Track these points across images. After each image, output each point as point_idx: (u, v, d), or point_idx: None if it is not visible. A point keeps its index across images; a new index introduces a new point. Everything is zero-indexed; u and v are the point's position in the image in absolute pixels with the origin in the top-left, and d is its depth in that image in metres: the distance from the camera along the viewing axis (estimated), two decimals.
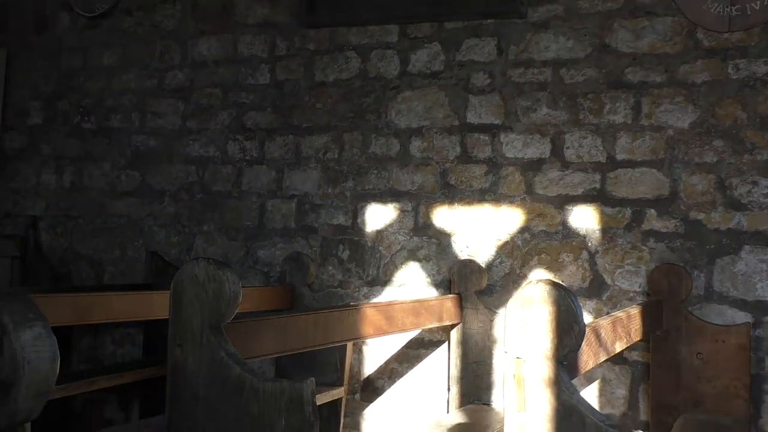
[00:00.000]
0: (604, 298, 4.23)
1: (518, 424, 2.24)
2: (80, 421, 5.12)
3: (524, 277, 4.38)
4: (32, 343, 1.43)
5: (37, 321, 1.44)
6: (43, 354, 1.44)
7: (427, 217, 4.65)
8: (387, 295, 4.68)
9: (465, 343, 4.43)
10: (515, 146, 4.49)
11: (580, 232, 4.31)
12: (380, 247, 4.74)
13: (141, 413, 5.06)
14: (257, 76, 5.19)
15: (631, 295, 4.18)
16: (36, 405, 1.45)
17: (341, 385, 4.44)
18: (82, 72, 5.77)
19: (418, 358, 4.65)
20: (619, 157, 4.27)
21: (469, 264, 4.47)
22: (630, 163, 4.25)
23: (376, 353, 4.72)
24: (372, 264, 4.75)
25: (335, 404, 4.45)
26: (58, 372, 1.48)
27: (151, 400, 4.81)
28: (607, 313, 3.99)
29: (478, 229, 4.53)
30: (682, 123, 4.17)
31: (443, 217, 4.62)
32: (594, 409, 2.21)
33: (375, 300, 4.67)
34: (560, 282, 2.54)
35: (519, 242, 4.44)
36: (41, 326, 1.44)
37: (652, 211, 4.18)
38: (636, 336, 3.49)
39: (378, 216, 4.76)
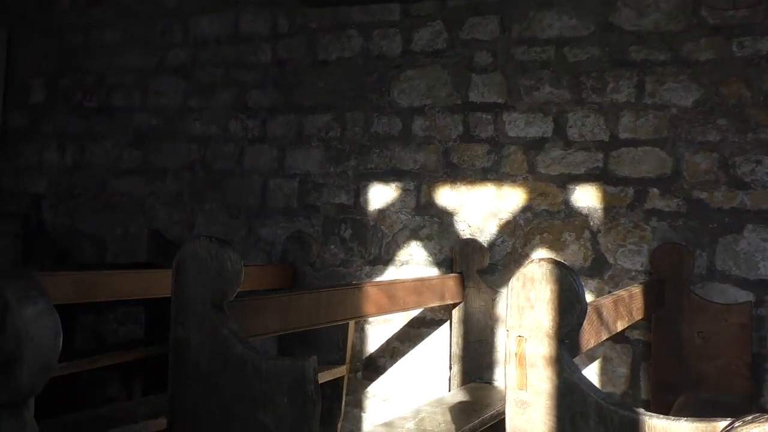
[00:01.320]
0: (605, 277, 4.23)
1: (519, 401, 2.25)
2: (83, 398, 5.15)
3: (526, 256, 4.38)
4: (35, 320, 1.43)
5: (40, 298, 1.44)
6: (45, 330, 1.44)
7: (429, 196, 4.65)
8: (389, 274, 4.69)
9: (466, 321, 4.44)
10: (518, 125, 4.48)
11: (583, 212, 4.30)
12: (382, 226, 4.74)
13: (143, 391, 5.08)
14: (259, 55, 5.17)
15: (633, 274, 4.18)
16: (39, 381, 1.46)
17: (343, 363, 4.46)
18: (84, 50, 5.75)
19: (420, 337, 4.66)
20: (622, 135, 4.26)
21: (471, 243, 4.48)
22: (633, 142, 4.24)
23: (378, 332, 4.74)
24: (374, 243, 4.76)
25: (337, 382, 4.46)
26: (60, 348, 1.48)
27: (153, 378, 4.84)
28: (609, 292, 3.99)
29: (480, 208, 4.53)
30: (685, 101, 4.15)
31: (445, 196, 4.61)
32: (595, 387, 2.21)
33: (377, 279, 4.67)
34: (562, 261, 2.54)
35: (521, 221, 4.43)
36: (44, 303, 1.44)
37: (655, 190, 4.18)
38: (638, 315, 3.49)
39: (380, 195, 4.76)
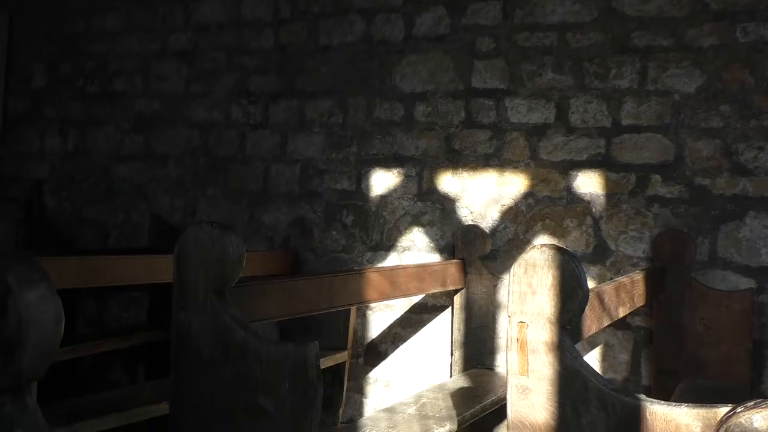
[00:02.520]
0: (607, 264, 4.23)
1: (521, 387, 2.25)
2: (86, 383, 5.17)
3: (528, 242, 4.37)
4: (37, 304, 1.43)
5: (42, 281, 1.44)
6: (47, 314, 1.44)
7: (431, 182, 4.64)
8: (391, 260, 4.69)
9: (468, 308, 4.44)
10: (520, 111, 4.47)
11: (585, 198, 4.30)
12: (384, 212, 4.74)
13: (146, 376, 5.10)
14: (261, 40, 5.16)
15: (635, 260, 4.18)
16: (41, 365, 1.46)
17: (345, 349, 4.47)
18: (86, 35, 5.74)
19: (422, 323, 4.67)
20: (625, 122, 4.24)
21: (473, 229, 4.47)
22: (635, 128, 4.22)
23: (379, 318, 4.74)
24: (376, 229, 4.75)
25: (339, 368, 4.48)
26: (62, 333, 1.48)
27: (156, 363, 4.85)
28: (611, 279, 3.99)
29: (482, 194, 4.52)
30: (688, 88, 4.14)
31: (447, 182, 4.61)
32: (597, 373, 2.22)
33: (379, 265, 4.67)
34: (564, 247, 2.53)
35: (523, 207, 4.43)
36: (46, 287, 1.44)
37: (657, 176, 4.16)
38: (639, 301, 3.49)
39: (382, 181, 4.76)
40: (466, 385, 4.08)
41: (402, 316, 4.70)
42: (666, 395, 3.73)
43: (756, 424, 1.54)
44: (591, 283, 3.69)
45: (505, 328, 4.31)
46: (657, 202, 4.16)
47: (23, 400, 1.49)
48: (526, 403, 2.24)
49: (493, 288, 4.40)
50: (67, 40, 5.80)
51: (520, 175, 4.44)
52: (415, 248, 4.66)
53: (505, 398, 2.33)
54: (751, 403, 1.58)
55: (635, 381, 4.16)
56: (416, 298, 4.63)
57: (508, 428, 2.29)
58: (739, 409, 1.58)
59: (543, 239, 4.34)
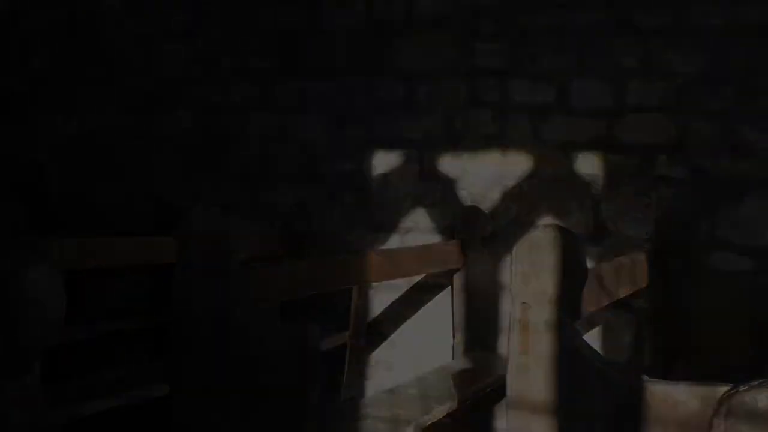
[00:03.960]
0: (607, 245, 4.22)
1: (520, 366, 2.26)
2: (88, 363, 5.17)
3: (530, 223, 4.36)
4: (38, 283, 1.44)
5: (43, 261, 1.46)
6: (48, 293, 1.45)
7: (433, 163, 4.63)
8: (392, 241, 4.68)
9: (468, 288, 4.44)
10: (522, 91, 4.45)
11: (586, 179, 4.30)
12: (386, 193, 4.72)
13: (148, 356, 5.09)
14: (262, 23, 5.11)
15: (637, 241, 4.17)
16: (42, 343, 1.48)
17: (346, 329, 4.46)
18: (87, 16, 5.69)
19: (422, 302, 4.66)
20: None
21: (474, 210, 4.47)
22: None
23: (381, 298, 4.72)
24: (378, 210, 4.73)
25: (340, 349, 4.47)
26: (64, 312, 1.50)
27: (158, 344, 4.86)
28: (611, 259, 3.99)
29: (483, 175, 4.51)
30: (692, 68, 4.12)
31: (449, 163, 4.59)
32: (596, 351, 2.23)
33: (380, 246, 4.66)
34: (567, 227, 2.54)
35: (525, 188, 4.42)
36: (46, 267, 1.46)
37: (663, 156, 4.15)
38: (641, 282, 3.50)
39: (384, 162, 4.73)
40: (467, 367, 4.09)
41: (403, 295, 4.67)
42: (667, 376, 3.75)
43: (761, 404, 1.54)
44: (590, 264, 3.70)
45: (507, 308, 4.32)
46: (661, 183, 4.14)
47: (24, 378, 1.50)
48: (526, 382, 2.25)
49: (494, 269, 4.40)
50: (69, 21, 5.75)
51: (523, 155, 4.43)
52: (416, 229, 4.64)
53: (505, 377, 2.34)
54: (756, 382, 1.58)
55: (636, 361, 4.16)
56: (417, 278, 4.62)
57: (506, 406, 2.30)
58: (742, 388, 1.58)
59: (545, 220, 4.34)
